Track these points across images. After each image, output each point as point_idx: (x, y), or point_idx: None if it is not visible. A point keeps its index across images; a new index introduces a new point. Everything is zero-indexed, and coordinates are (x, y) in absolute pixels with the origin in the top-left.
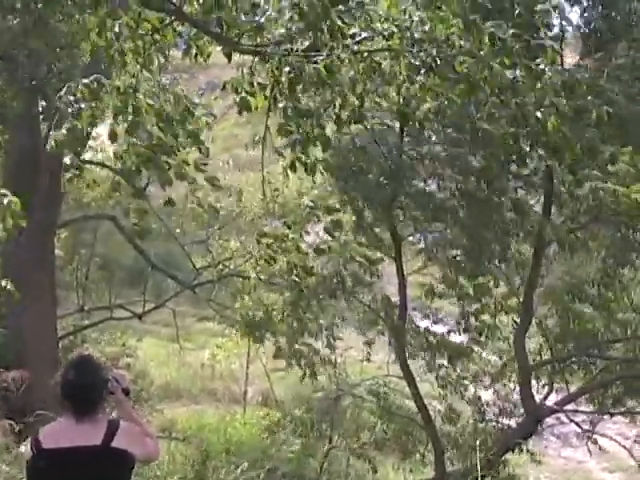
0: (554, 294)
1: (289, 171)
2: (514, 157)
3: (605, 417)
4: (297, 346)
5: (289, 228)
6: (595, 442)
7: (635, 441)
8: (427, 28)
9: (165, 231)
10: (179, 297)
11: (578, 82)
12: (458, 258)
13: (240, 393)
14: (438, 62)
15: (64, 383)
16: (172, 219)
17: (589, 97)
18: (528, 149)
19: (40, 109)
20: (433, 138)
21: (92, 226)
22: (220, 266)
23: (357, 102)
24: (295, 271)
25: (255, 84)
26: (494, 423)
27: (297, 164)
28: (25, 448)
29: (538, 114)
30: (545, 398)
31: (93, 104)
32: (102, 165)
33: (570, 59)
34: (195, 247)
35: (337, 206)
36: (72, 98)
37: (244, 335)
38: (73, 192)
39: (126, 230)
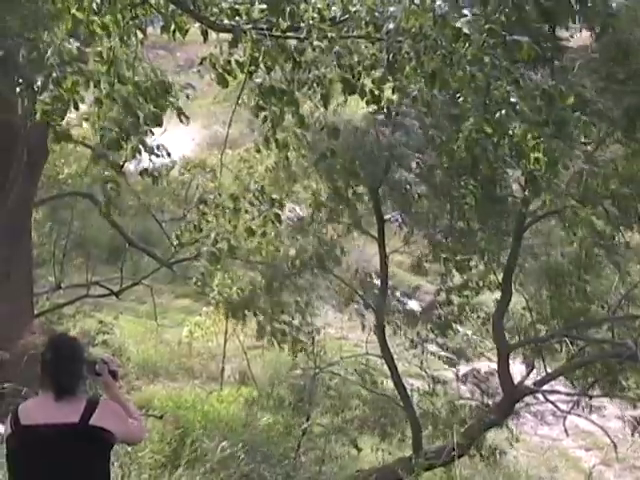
0: (535, 274)
1: (262, 148)
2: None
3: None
4: (276, 325)
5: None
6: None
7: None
8: (399, 19)
9: (143, 208)
10: (157, 275)
11: (561, 93)
12: (439, 236)
13: (217, 371)
14: (407, 55)
15: (43, 362)
16: (149, 196)
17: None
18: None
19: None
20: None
21: (69, 204)
22: (197, 243)
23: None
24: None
25: (232, 61)
26: (472, 402)
27: (270, 141)
28: (4, 425)
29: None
30: (525, 378)
31: (76, 69)
32: (81, 143)
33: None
34: (173, 224)
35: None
36: (56, 62)
37: (226, 314)
38: (48, 169)
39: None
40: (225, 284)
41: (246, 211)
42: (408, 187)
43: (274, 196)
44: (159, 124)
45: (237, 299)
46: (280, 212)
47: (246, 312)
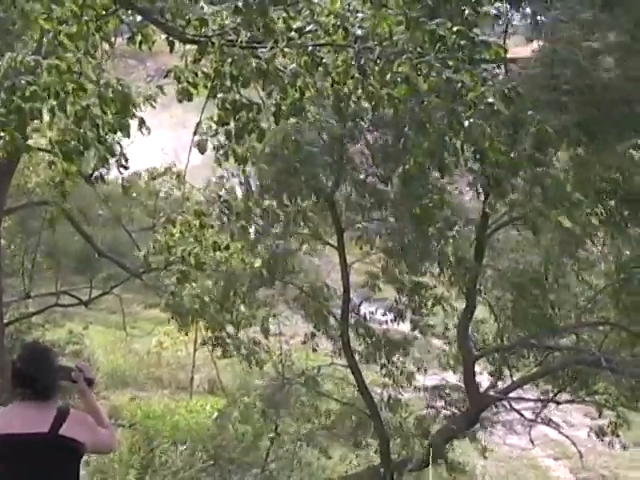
0: (501, 282)
1: (223, 160)
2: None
3: (551, 405)
4: (225, 335)
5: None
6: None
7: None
8: (369, 24)
9: (112, 218)
10: (127, 284)
11: (518, 94)
12: (398, 249)
13: (186, 380)
14: (378, 61)
15: (14, 370)
16: (119, 206)
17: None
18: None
19: None
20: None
21: (38, 213)
22: (166, 253)
23: (297, 95)
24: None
25: (198, 73)
26: (439, 411)
27: (230, 154)
28: None
29: (466, 123)
30: (492, 386)
31: (30, 80)
32: (45, 150)
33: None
34: (143, 234)
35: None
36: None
37: (176, 322)
38: (16, 178)
39: (73, 216)
40: (190, 294)
41: (212, 226)
42: (364, 196)
43: (239, 210)
44: (127, 135)
45: (187, 307)
46: (246, 225)
47: (195, 321)
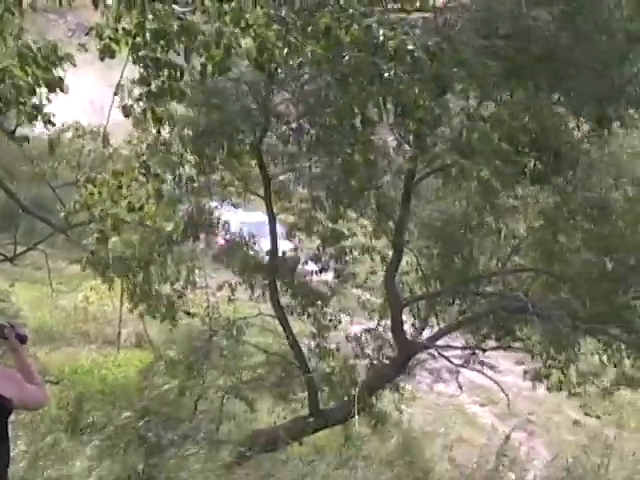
0: (427, 230)
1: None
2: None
3: (478, 353)
4: (154, 288)
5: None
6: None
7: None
8: None
9: (37, 174)
10: (51, 240)
11: (441, 49)
12: (321, 198)
13: (114, 335)
14: (299, 13)
15: None
16: (43, 162)
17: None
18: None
19: None
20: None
21: None
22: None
23: (222, 53)
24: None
25: (120, 30)
26: (367, 360)
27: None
28: None
29: (386, 75)
30: (419, 334)
31: None
32: None
33: None
34: (67, 190)
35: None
36: None
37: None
38: None
39: None
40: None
41: (128, 186)
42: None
43: (157, 171)
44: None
45: (103, 261)
46: (161, 186)
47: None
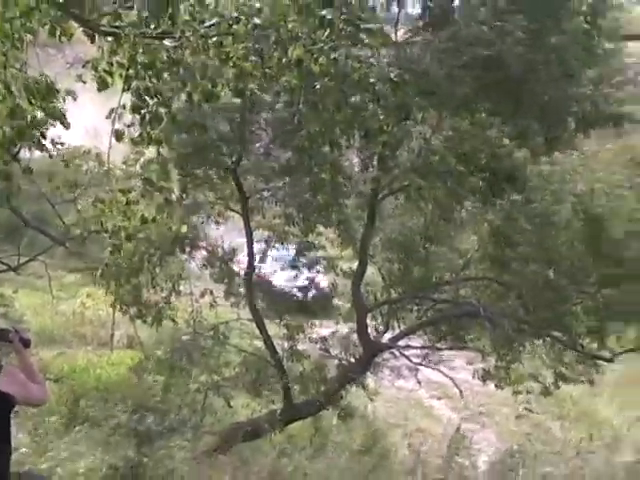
0: (389, 243)
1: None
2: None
3: (435, 352)
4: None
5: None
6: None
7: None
8: (266, 13)
9: (38, 192)
10: (51, 252)
11: (403, 80)
12: (294, 214)
13: (107, 337)
14: (274, 46)
15: None
16: (44, 181)
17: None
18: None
19: None
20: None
21: None
22: (86, 222)
23: (209, 85)
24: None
25: (114, 63)
26: (335, 360)
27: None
28: None
29: (353, 102)
30: (381, 335)
31: None
32: None
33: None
34: (64, 206)
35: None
36: None
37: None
38: None
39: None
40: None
41: (137, 201)
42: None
43: (162, 184)
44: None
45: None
46: (169, 198)
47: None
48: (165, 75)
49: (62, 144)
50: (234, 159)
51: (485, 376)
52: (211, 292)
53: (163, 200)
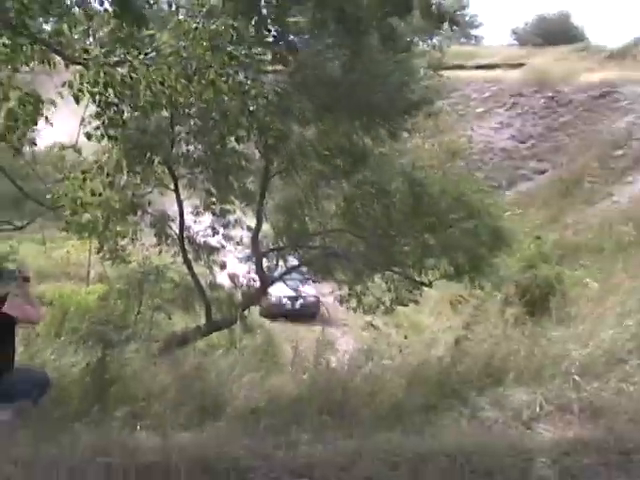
0: (277, 207)
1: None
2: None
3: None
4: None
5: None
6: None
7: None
8: (190, 49)
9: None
10: (46, 216)
11: (287, 93)
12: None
13: (85, 274)
14: (196, 72)
15: None
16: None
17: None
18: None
19: None
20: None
21: None
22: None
23: (153, 98)
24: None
25: (84, 84)
26: (242, 289)
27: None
28: None
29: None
30: (273, 272)
31: None
32: None
33: None
34: (55, 184)
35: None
36: None
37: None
38: None
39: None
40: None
41: (91, 180)
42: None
43: (109, 171)
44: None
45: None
46: (112, 180)
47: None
48: (119, 92)
49: (35, 144)
50: (166, 153)
51: (342, 300)
52: (159, 244)
53: (108, 182)
